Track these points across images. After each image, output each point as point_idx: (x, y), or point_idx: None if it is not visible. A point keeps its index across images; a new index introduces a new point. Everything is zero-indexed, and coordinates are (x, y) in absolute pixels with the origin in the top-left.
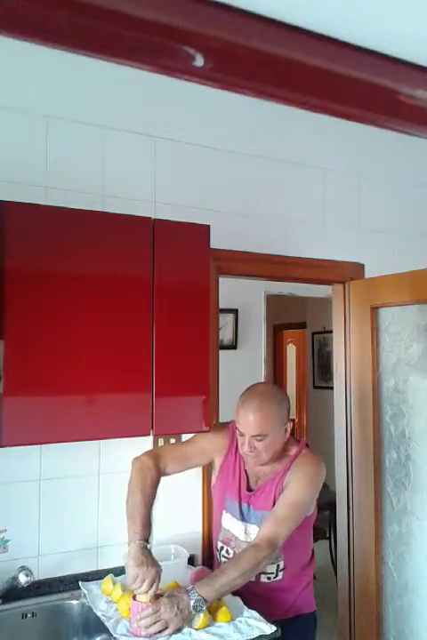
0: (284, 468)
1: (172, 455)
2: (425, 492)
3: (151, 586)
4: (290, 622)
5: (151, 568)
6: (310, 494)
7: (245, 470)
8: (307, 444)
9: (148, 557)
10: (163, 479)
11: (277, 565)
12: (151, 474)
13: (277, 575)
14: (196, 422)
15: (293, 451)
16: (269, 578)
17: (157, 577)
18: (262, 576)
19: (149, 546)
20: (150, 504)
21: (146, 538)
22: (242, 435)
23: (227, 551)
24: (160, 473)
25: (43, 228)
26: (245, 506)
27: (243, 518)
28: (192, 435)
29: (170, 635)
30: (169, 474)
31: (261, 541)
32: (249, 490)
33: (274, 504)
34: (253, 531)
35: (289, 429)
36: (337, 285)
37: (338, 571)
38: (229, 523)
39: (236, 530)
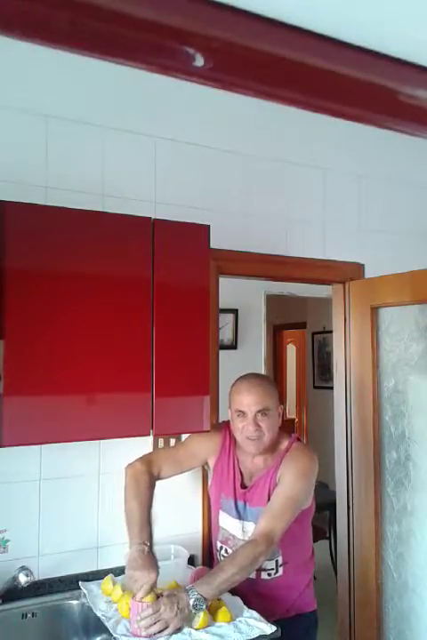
0: (276, 462)
1: (165, 459)
2: (425, 492)
3: (146, 589)
4: (291, 621)
5: (146, 571)
6: (304, 487)
7: (240, 468)
8: (298, 438)
9: (144, 560)
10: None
11: (276, 560)
12: (145, 478)
13: (277, 571)
14: (196, 422)
15: (284, 444)
16: (269, 574)
17: (151, 580)
18: (263, 573)
19: (146, 548)
20: (147, 507)
21: (144, 540)
22: (244, 416)
23: (226, 551)
24: (154, 477)
25: (43, 227)
26: (241, 503)
27: (239, 516)
28: (187, 436)
29: (170, 634)
30: (163, 478)
31: (257, 537)
32: (244, 487)
33: (269, 499)
34: (250, 528)
35: (282, 414)
36: (337, 285)
37: (338, 571)
38: (227, 522)
39: (233, 529)
